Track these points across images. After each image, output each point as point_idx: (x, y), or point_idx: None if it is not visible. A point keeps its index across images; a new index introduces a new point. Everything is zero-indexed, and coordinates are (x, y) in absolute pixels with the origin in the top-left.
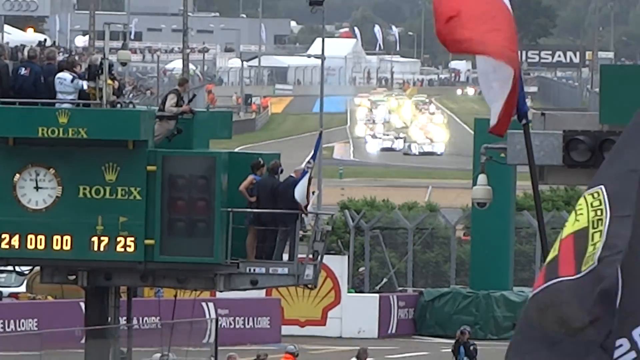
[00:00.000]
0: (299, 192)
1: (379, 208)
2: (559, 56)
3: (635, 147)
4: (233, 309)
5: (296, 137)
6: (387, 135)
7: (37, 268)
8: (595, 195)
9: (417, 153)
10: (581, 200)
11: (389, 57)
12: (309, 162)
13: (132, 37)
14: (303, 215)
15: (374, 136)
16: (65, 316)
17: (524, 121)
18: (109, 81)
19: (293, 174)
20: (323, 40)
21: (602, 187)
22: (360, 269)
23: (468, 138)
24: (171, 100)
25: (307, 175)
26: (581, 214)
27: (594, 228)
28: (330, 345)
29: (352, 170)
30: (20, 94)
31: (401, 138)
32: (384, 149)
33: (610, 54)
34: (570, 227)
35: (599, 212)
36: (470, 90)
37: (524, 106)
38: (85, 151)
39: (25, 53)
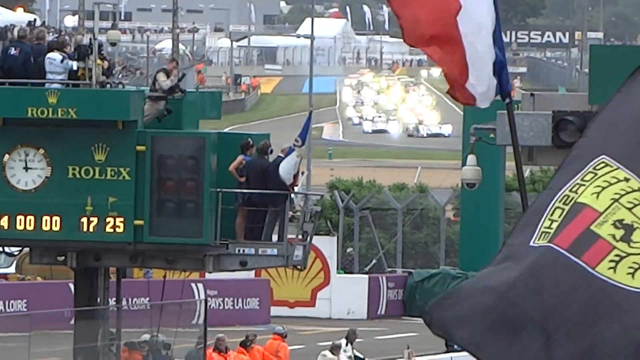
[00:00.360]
0: (284, 168)
1: (368, 189)
2: (548, 36)
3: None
4: (222, 290)
5: (286, 117)
6: (380, 117)
7: (27, 249)
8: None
9: (424, 135)
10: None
11: (378, 37)
12: (296, 140)
13: (122, 17)
14: (292, 195)
15: (363, 118)
16: (55, 297)
17: (507, 100)
18: (99, 61)
19: (281, 154)
20: (312, 20)
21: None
22: (349, 250)
23: (458, 118)
24: (161, 77)
25: (294, 154)
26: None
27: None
28: (319, 326)
29: (341, 151)
30: (9, 74)
31: (393, 120)
32: (375, 131)
33: (600, 35)
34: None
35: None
36: None
37: (507, 85)
38: (75, 131)
39: (15, 33)
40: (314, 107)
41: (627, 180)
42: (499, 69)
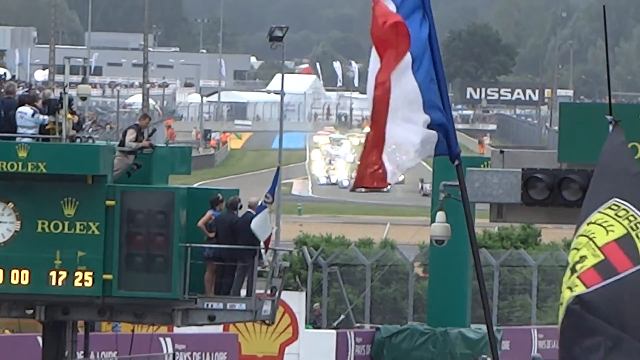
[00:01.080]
0: (258, 226)
1: (336, 244)
2: (518, 94)
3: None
4: (190, 344)
5: (255, 172)
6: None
7: None
8: (615, 207)
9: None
10: (601, 216)
11: (348, 93)
12: (266, 196)
13: (92, 71)
14: (262, 251)
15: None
16: (23, 350)
17: (456, 162)
18: (69, 115)
19: (250, 209)
20: (283, 76)
21: (617, 199)
22: (315, 305)
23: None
24: (131, 135)
25: (266, 211)
26: (612, 225)
27: (633, 230)
28: None
29: (310, 207)
30: None
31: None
32: (344, 187)
33: (570, 92)
34: (605, 237)
35: (631, 218)
36: None
37: (456, 148)
38: (45, 186)
39: None
40: (284, 163)
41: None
42: (444, 131)
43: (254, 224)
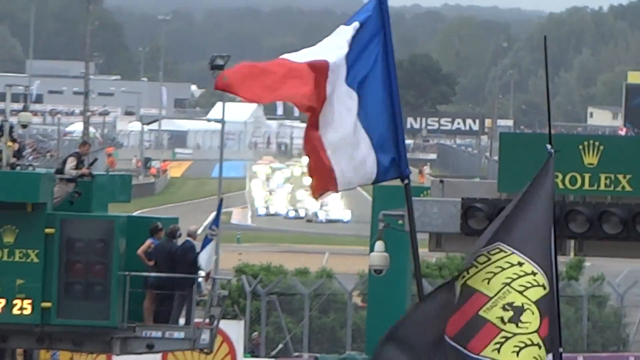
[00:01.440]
0: (204, 259)
1: (275, 273)
2: (459, 123)
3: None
4: None
5: (195, 201)
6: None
7: None
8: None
9: (323, 220)
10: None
11: (289, 122)
12: (212, 229)
13: (33, 99)
14: (200, 279)
15: (271, 204)
16: None
17: (406, 181)
18: (9, 143)
19: (190, 238)
20: (223, 105)
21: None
22: (254, 334)
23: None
24: (71, 163)
25: (212, 243)
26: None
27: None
28: None
29: (250, 236)
30: None
31: (302, 208)
32: (284, 217)
33: (510, 122)
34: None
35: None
36: None
37: (405, 169)
38: None
39: None
40: (224, 192)
41: (520, 264)
42: (395, 152)
43: (202, 257)
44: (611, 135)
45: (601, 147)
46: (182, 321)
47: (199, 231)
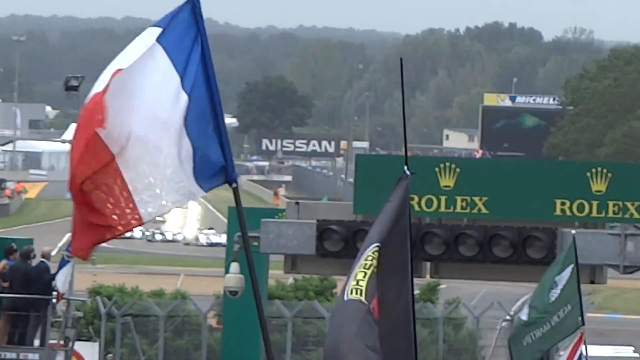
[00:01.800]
0: (61, 281)
1: (130, 295)
2: (314, 145)
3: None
4: None
5: (50, 222)
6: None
7: None
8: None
9: (158, 240)
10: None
11: None
12: (68, 250)
13: None
14: (54, 300)
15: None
16: None
17: (234, 185)
18: None
19: (43, 259)
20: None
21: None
22: (109, 356)
23: (222, 226)
24: None
25: (69, 265)
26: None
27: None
28: None
29: (105, 257)
30: None
31: (158, 232)
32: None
33: (365, 144)
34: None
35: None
36: None
37: (233, 173)
38: None
39: None
40: None
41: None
42: (222, 157)
43: (58, 279)
44: (467, 157)
45: (457, 170)
46: (37, 342)
47: (54, 252)
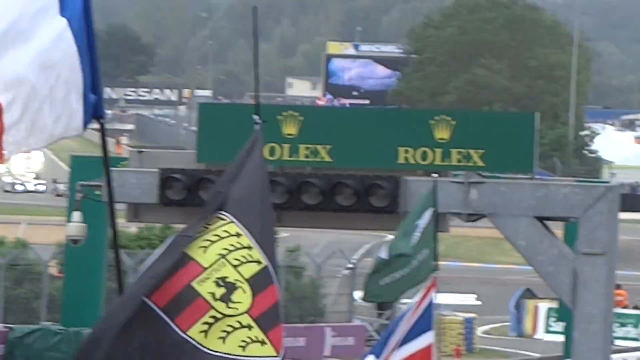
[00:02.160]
0: None
1: None
2: (157, 93)
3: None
4: None
5: None
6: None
7: None
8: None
9: (20, 191)
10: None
11: None
12: None
13: None
14: None
15: None
16: None
17: (102, 120)
18: None
19: None
20: None
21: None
22: None
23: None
24: None
25: None
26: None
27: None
28: None
29: None
30: None
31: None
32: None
33: (208, 92)
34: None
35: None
36: None
37: (103, 109)
38: None
39: None
40: None
41: (238, 235)
42: (97, 92)
43: None
44: (310, 105)
45: (300, 118)
46: None
47: None
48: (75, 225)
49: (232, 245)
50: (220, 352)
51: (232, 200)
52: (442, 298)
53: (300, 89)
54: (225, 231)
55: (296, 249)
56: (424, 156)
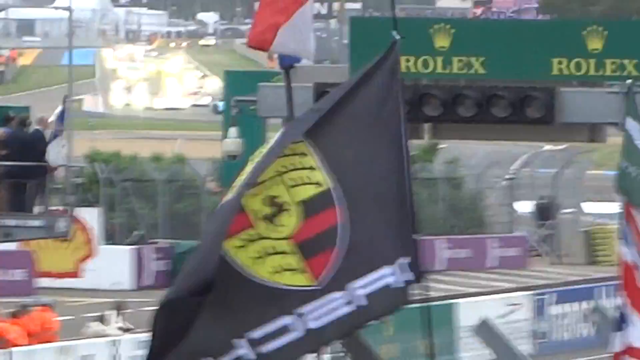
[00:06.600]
0: (53, 155)
1: (128, 160)
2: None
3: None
4: None
5: (45, 89)
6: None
7: None
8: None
9: (184, 107)
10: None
11: (136, 9)
12: (60, 123)
13: None
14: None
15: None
16: None
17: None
18: None
19: (39, 126)
20: None
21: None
22: (112, 221)
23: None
24: None
25: (59, 139)
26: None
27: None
28: (86, 298)
29: (102, 122)
30: None
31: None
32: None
33: (358, 5)
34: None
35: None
36: (219, 42)
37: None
38: None
39: None
40: (75, 79)
41: (303, 155)
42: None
43: (51, 154)
44: (462, 18)
45: (452, 31)
46: (36, 210)
47: (50, 118)
48: (232, 141)
49: (292, 164)
50: (248, 272)
51: (317, 123)
52: None
53: (450, 0)
54: (291, 149)
55: (455, 160)
56: (578, 67)
